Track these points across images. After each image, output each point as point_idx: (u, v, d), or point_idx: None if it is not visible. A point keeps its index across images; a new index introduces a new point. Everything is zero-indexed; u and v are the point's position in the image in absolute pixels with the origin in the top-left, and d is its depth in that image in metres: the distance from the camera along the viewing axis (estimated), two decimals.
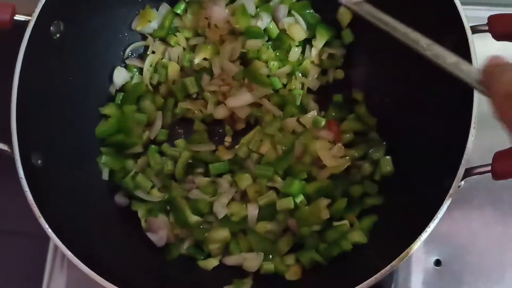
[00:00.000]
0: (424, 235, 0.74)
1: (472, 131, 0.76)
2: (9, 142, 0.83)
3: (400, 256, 0.75)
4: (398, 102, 0.98)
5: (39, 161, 0.86)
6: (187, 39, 1.08)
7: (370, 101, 1.02)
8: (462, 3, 0.82)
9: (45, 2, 0.88)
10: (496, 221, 1.00)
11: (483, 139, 0.82)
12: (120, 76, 1.06)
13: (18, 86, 0.85)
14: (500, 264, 0.97)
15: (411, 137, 0.90)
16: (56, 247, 1.03)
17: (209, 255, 0.96)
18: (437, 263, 0.98)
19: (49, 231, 0.79)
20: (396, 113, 0.98)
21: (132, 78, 1.06)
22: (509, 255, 0.98)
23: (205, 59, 1.06)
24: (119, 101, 1.04)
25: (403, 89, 0.96)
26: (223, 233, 0.94)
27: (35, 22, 0.87)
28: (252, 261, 0.92)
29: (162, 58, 1.08)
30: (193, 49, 1.07)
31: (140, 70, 1.07)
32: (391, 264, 0.75)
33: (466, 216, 1.00)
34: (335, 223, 0.93)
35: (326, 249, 0.91)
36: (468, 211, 1.00)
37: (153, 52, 1.08)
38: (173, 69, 1.05)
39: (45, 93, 0.92)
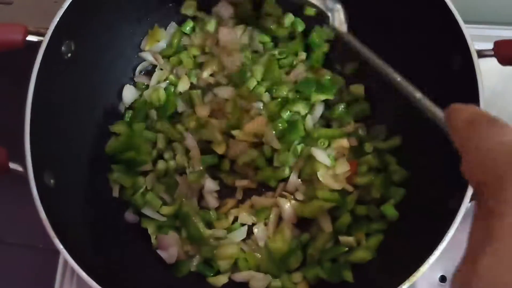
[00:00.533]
0: (432, 258, 0.76)
1: None
2: (22, 162, 0.84)
3: (407, 279, 0.76)
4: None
5: (51, 181, 0.87)
6: (194, 56, 1.09)
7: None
8: (466, 22, 0.83)
9: (57, 22, 0.89)
10: None
11: None
12: (129, 93, 1.07)
13: (31, 105, 0.86)
14: None
15: (420, 158, 0.91)
16: (66, 262, 1.05)
17: (218, 272, 0.97)
18: (442, 279, 0.99)
19: (64, 251, 0.80)
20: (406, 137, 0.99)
21: (140, 96, 1.08)
22: None
23: (212, 75, 1.07)
24: (128, 119, 1.06)
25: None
26: (232, 250, 0.96)
27: (48, 42, 0.88)
28: (259, 281, 0.94)
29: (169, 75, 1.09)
30: (200, 66, 1.09)
31: (148, 87, 1.09)
32: None
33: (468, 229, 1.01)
34: (341, 238, 0.94)
35: (332, 266, 0.93)
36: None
37: (161, 69, 1.09)
38: (184, 84, 1.07)
39: (56, 112, 0.93)
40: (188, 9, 1.09)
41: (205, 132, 1.02)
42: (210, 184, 1.01)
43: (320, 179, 0.96)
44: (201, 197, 1.02)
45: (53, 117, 0.92)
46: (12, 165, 0.86)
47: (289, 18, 1.06)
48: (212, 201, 1.01)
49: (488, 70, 0.82)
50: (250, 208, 1.02)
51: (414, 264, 0.77)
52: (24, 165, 0.83)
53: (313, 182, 0.98)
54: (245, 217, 1.00)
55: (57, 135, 0.92)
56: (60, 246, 0.80)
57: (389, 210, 0.93)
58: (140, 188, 1.01)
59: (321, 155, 0.97)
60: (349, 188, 0.97)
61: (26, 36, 0.91)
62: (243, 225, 1.00)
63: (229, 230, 0.99)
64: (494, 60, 0.83)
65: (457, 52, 0.84)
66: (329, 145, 1.00)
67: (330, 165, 0.97)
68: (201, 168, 1.01)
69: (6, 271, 1.08)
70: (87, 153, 0.99)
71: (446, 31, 0.85)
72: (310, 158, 0.98)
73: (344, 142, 0.99)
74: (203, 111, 1.04)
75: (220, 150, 1.03)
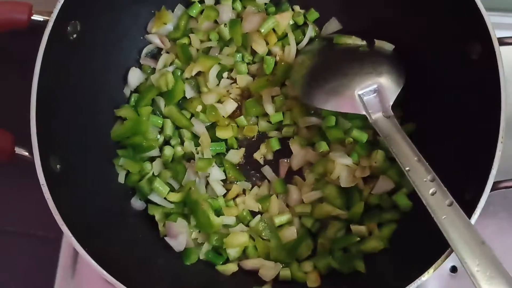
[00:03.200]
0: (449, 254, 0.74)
1: (500, 146, 0.76)
2: (28, 147, 0.82)
3: (425, 273, 0.75)
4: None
5: (57, 166, 0.85)
6: (201, 41, 1.06)
7: None
8: (488, 10, 0.81)
9: (63, 2, 0.86)
10: (511, 228, 1.00)
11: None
12: (134, 76, 1.05)
13: (37, 89, 0.83)
14: None
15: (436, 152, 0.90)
16: (68, 249, 1.03)
17: (227, 260, 0.95)
18: (453, 269, 0.98)
19: (72, 238, 0.78)
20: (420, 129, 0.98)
21: (146, 79, 1.05)
22: None
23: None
24: (134, 103, 1.03)
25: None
26: (242, 237, 0.94)
27: (54, 22, 0.86)
28: (269, 270, 0.93)
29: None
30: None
31: (154, 71, 1.06)
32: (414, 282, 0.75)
33: (481, 223, 0.99)
34: (353, 227, 0.93)
35: (343, 255, 0.92)
36: (483, 217, 0.98)
37: (167, 52, 1.07)
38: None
39: (61, 95, 0.90)
40: None
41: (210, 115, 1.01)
42: (216, 172, 0.99)
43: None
44: (207, 184, 1.00)
45: (58, 100, 0.89)
46: (18, 150, 0.84)
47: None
48: (219, 188, 0.99)
49: (506, 57, 0.80)
50: (256, 195, 1.01)
51: (431, 256, 0.76)
52: (30, 150, 0.81)
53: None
54: (253, 203, 0.99)
55: (62, 119, 0.90)
56: (68, 233, 0.79)
57: (402, 199, 0.91)
58: (146, 174, 0.98)
59: (342, 158, 0.95)
60: (362, 185, 0.95)
61: (31, 15, 0.89)
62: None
63: (239, 217, 0.98)
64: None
65: (477, 40, 0.83)
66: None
67: (352, 163, 0.95)
68: (211, 155, 0.99)
69: (7, 259, 1.06)
70: (93, 138, 0.96)
71: (467, 18, 0.83)
72: (327, 159, 0.96)
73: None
74: (210, 99, 1.01)
75: (225, 134, 1.01)
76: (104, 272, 0.78)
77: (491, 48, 0.80)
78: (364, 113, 0.89)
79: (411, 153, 0.82)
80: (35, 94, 0.83)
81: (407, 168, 0.81)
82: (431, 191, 0.77)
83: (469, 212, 0.75)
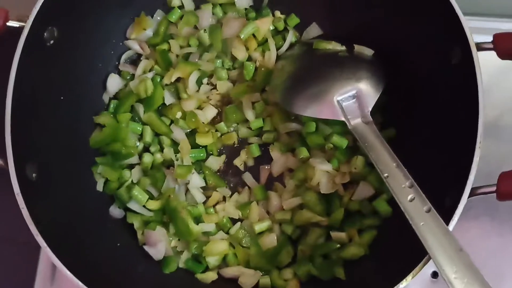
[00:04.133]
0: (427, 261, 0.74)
1: (478, 151, 0.76)
2: (3, 156, 0.81)
3: (403, 280, 0.74)
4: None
5: (33, 175, 0.84)
6: (181, 47, 1.05)
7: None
8: (466, 14, 0.81)
9: (39, 8, 0.86)
10: (493, 232, 1.00)
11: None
12: (113, 83, 1.04)
13: (12, 95, 0.82)
14: (498, 274, 0.97)
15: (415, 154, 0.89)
16: (47, 256, 1.01)
17: (207, 268, 0.95)
18: (434, 275, 0.98)
19: (47, 248, 0.77)
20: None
21: (125, 85, 1.04)
22: (507, 266, 0.98)
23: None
24: (113, 109, 1.02)
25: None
26: (221, 245, 0.94)
27: (30, 28, 0.85)
28: (249, 278, 0.92)
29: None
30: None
31: (133, 77, 1.05)
32: None
33: (462, 226, 0.98)
34: (333, 234, 0.92)
35: (323, 262, 0.91)
36: (464, 221, 0.98)
37: (147, 58, 1.06)
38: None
39: (38, 102, 0.89)
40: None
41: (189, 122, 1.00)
42: (196, 180, 0.98)
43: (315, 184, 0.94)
44: (186, 191, 0.99)
45: (35, 107, 0.88)
46: None
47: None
48: (199, 195, 0.98)
49: (486, 63, 0.80)
50: (236, 202, 1.00)
51: (410, 263, 0.75)
52: (5, 159, 0.80)
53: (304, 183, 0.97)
54: (233, 210, 0.98)
55: (39, 127, 0.89)
56: (43, 244, 0.78)
57: (382, 205, 0.91)
58: (125, 181, 0.97)
59: (322, 164, 0.94)
60: (342, 191, 0.95)
61: (7, 21, 0.87)
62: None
63: (219, 225, 0.97)
64: (492, 53, 0.81)
65: (456, 45, 0.83)
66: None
67: (332, 169, 0.94)
68: (191, 162, 0.98)
69: None
70: (71, 146, 0.95)
71: (445, 23, 0.83)
72: (308, 165, 0.96)
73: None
74: (190, 105, 1.01)
75: (205, 141, 1.01)
76: (80, 284, 0.77)
77: (469, 53, 0.80)
78: (343, 119, 0.89)
79: (389, 159, 0.81)
80: (10, 102, 0.82)
81: (385, 175, 0.80)
82: (409, 197, 0.77)
83: (447, 219, 0.75)
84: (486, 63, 0.80)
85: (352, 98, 0.90)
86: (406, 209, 0.76)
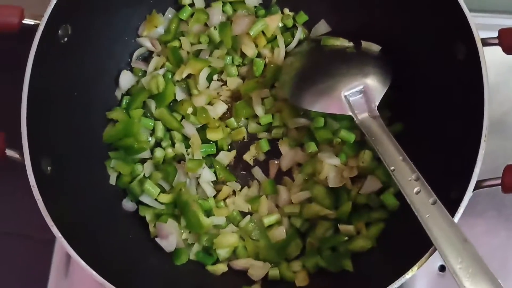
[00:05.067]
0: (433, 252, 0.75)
1: (483, 144, 0.77)
2: (19, 149, 0.83)
3: (409, 270, 0.76)
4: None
5: (48, 168, 0.86)
6: (191, 44, 1.07)
7: None
8: (471, 11, 0.82)
9: (54, 6, 0.88)
10: (499, 227, 1.01)
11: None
12: (126, 79, 1.06)
13: (28, 91, 0.84)
14: (504, 269, 0.98)
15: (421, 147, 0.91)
16: (61, 251, 1.04)
17: (217, 260, 0.96)
18: (442, 268, 0.99)
19: (62, 239, 0.79)
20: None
21: (137, 82, 1.06)
22: None
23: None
24: (125, 105, 1.04)
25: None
26: (232, 238, 0.95)
27: (45, 26, 0.87)
28: (258, 269, 0.94)
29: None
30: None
31: (145, 73, 1.07)
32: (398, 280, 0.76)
33: (469, 222, 1.00)
34: (341, 227, 0.93)
35: (331, 255, 0.93)
36: (470, 216, 1.01)
37: (158, 55, 1.08)
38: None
39: (52, 97, 0.91)
40: None
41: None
42: (207, 174, 1.00)
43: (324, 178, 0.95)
44: (197, 185, 1.01)
45: (49, 103, 0.90)
46: (9, 152, 0.84)
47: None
48: (209, 189, 1.00)
49: (494, 61, 0.82)
50: (246, 196, 1.01)
51: (416, 254, 0.77)
52: (21, 152, 0.82)
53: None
54: (242, 204, 1.00)
55: (54, 122, 0.91)
56: (58, 234, 0.80)
57: (389, 198, 0.92)
58: (137, 175, 0.99)
59: (330, 158, 0.96)
60: (350, 185, 0.96)
61: (23, 19, 0.89)
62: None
63: (229, 218, 0.99)
64: (498, 49, 0.82)
65: (462, 41, 0.84)
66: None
67: (340, 163, 0.96)
68: (202, 156, 1.00)
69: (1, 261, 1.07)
70: (84, 140, 0.97)
71: (451, 19, 0.84)
72: (316, 159, 0.97)
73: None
74: (200, 101, 1.02)
75: (216, 136, 1.02)
76: (95, 274, 0.79)
77: (474, 49, 0.81)
78: (350, 113, 0.90)
79: (396, 153, 0.83)
80: (26, 97, 0.84)
81: (392, 168, 0.82)
82: (415, 190, 0.78)
83: (453, 211, 0.76)
84: (493, 61, 0.82)
85: (359, 93, 0.92)
86: (412, 202, 0.78)
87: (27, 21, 0.90)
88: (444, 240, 0.73)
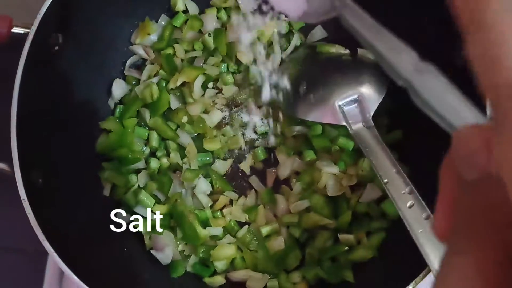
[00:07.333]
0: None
1: None
2: (9, 161, 0.81)
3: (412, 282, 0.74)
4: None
5: (39, 180, 0.84)
6: (186, 51, 1.05)
7: None
8: None
9: (44, 14, 0.86)
10: None
11: None
12: (118, 88, 1.04)
13: (17, 101, 0.82)
14: None
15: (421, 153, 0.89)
16: (54, 265, 1.01)
17: (215, 272, 0.94)
18: None
19: (54, 254, 0.77)
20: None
21: (131, 90, 1.04)
22: None
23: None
24: (119, 114, 1.02)
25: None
26: (229, 250, 0.93)
27: (34, 34, 0.85)
28: (256, 281, 0.92)
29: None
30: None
31: (139, 82, 1.05)
32: None
33: None
34: (341, 236, 0.92)
35: (331, 265, 0.91)
36: None
37: (152, 63, 1.06)
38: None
39: (44, 107, 0.89)
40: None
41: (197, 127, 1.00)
42: (203, 185, 0.98)
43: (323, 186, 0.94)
44: (193, 196, 0.99)
45: (40, 113, 0.88)
46: None
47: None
48: (205, 200, 0.98)
49: None
50: (243, 205, 0.99)
51: (419, 264, 0.75)
52: (11, 164, 0.80)
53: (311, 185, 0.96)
54: (240, 214, 0.97)
55: (45, 133, 0.89)
56: (50, 249, 0.77)
57: (390, 207, 0.90)
58: (132, 186, 0.97)
59: (328, 166, 0.94)
60: (349, 194, 0.94)
61: (12, 28, 0.88)
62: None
63: (226, 228, 0.97)
64: None
65: (461, 47, 0.82)
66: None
67: (339, 171, 0.94)
68: (198, 166, 0.98)
69: None
70: (76, 151, 0.95)
71: (452, 24, 0.82)
72: (314, 168, 0.95)
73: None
74: (195, 109, 1.00)
75: (213, 146, 1.00)
76: None
77: None
78: (344, 123, 0.89)
79: (390, 165, 0.81)
80: (16, 108, 0.82)
81: (385, 180, 0.80)
82: (408, 204, 0.76)
83: None
84: None
85: (354, 102, 0.90)
86: (405, 216, 0.76)
87: (16, 30, 0.88)
88: (436, 256, 0.71)
